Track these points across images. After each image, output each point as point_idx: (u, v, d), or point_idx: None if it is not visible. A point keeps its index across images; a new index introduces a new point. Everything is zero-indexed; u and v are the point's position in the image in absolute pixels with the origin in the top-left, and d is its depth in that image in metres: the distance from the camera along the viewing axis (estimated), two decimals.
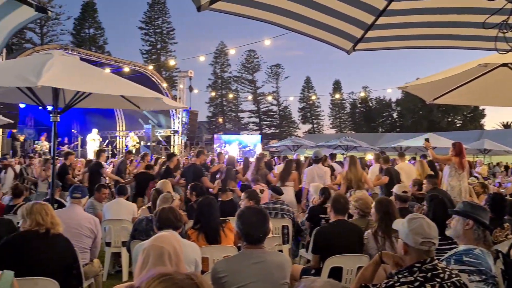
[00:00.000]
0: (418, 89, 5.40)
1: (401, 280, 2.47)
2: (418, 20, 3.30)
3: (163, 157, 12.56)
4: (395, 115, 67.69)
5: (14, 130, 18.55)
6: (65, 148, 19.79)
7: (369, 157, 16.61)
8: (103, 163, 9.63)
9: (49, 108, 5.34)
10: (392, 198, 4.97)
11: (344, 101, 68.27)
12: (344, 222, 4.13)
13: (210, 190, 7.96)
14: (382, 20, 3.22)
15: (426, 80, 4.90)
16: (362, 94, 62.81)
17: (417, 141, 15.89)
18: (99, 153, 10.18)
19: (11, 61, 6.74)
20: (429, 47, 4.03)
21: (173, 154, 9.19)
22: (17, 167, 11.17)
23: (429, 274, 2.45)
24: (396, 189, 5.13)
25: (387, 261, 2.81)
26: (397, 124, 65.30)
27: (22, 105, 17.75)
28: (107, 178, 9.75)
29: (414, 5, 3.09)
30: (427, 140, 7.92)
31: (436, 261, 2.54)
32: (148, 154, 11.38)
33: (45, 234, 3.39)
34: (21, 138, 19.57)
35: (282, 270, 2.82)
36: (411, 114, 61.20)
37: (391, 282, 2.48)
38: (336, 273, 3.79)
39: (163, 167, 9.13)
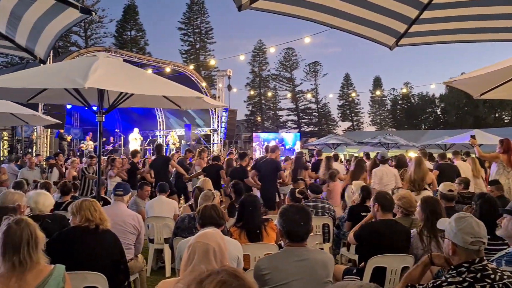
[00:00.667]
0: (464, 84, 5.19)
1: (448, 280, 2.40)
2: (464, 14, 3.17)
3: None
4: (438, 111, 65.56)
5: (62, 130, 19.33)
6: (109, 147, 20.49)
7: (411, 155, 16.16)
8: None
9: (94, 108, 5.54)
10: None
11: (384, 98, 66.89)
12: (391, 222, 4.01)
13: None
14: (426, 14, 3.13)
15: (473, 74, 4.71)
16: (404, 90, 61.19)
17: (463, 138, 15.35)
18: (134, 153, 10.51)
19: (59, 63, 7.02)
20: (475, 40, 3.87)
21: (245, 154, 9.16)
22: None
23: (478, 275, 2.37)
24: (441, 187, 4.98)
25: (438, 263, 2.73)
26: (441, 120, 63.20)
27: (68, 106, 18.48)
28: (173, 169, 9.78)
29: None
30: (473, 137, 7.65)
31: (486, 262, 2.45)
32: (206, 150, 11.37)
33: (94, 229, 3.51)
34: (68, 138, 20.36)
35: (325, 268, 2.80)
36: (455, 110, 59.11)
37: (438, 282, 2.42)
38: (379, 273, 3.72)
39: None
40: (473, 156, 9.82)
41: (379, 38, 3.48)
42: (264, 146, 10.33)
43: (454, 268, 2.49)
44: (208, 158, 10.70)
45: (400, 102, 67.19)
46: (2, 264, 2.47)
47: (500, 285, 2.31)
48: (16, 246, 2.47)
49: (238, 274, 1.25)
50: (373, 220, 4.22)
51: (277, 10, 3.01)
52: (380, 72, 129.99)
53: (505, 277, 2.35)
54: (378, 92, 61.29)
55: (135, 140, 20.62)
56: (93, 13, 2.72)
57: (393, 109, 67.27)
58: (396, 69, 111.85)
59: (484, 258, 2.48)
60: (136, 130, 21.00)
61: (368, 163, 9.70)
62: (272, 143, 26.71)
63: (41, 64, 3.50)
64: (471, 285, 2.34)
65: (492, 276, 2.35)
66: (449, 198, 4.84)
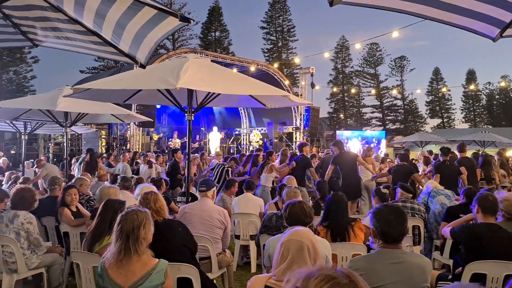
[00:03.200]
0: None
1: None
2: None
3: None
4: None
5: (151, 129, 20.52)
6: (195, 145, 21.35)
7: (510, 153, 14.91)
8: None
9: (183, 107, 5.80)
10: None
11: (479, 93, 62.26)
12: (495, 226, 3.70)
13: None
14: None
15: None
16: (502, 84, 56.44)
17: None
18: (175, 152, 10.74)
19: (151, 66, 7.44)
20: None
21: (305, 144, 9.53)
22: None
23: None
24: None
25: None
26: None
27: (157, 106, 19.52)
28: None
29: None
30: None
31: None
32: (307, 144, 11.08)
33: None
34: (155, 136, 21.54)
35: (422, 272, 2.67)
36: None
37: None
38: (478, 281, 3.46)
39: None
40: None
41: (481, 29, 3.22)
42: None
43: None
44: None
45: (497, 97, 62.17)
46: (113, 249, 2.68)
47: None
48: (125, 234, 2.67)
49: (352, 275, 1.22)
50: (473, 222, 3.94)
51: (370, 4, 2.92)
52: (474, 65, 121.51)
53: None
54: (472, 87, 57.11)
55: (214, 139, 21.30)
56: (192, 21, 2.83)
57: (489, 104, 62.40)
58: (492, 62, 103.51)
59: None
60: (215, 128, 21.62)
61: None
62: (355, 141, 26.21)
63: (136, 67, 3.74)
64: None
65: None
66: None
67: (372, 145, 25.19)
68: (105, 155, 14.16)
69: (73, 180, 6.74)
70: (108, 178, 9.07)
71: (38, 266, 4.62)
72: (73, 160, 12.07)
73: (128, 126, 19.27)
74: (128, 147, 19.00)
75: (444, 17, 3.10)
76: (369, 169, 9.73)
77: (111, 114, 8.45)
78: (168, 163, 11.25)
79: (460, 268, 3.67)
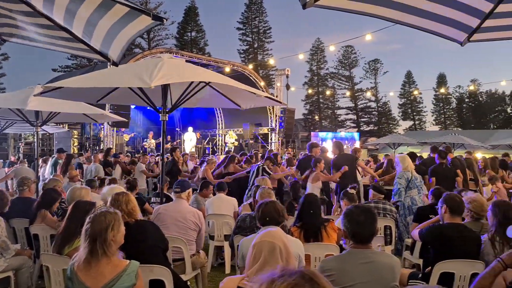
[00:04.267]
0: None
1: None
2: None
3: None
4: (509, 110, 61.69)
5: (123, 129, 20.22)
6: (169, 145, 21.16)
7: (479, 155, 15.35)
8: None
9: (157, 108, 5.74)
10: None
11: (449, 96, 63.83)
12: (461, 226, 3.81)
13: None
14: (502, 8, 2.94)
15: None
16: (471, 88, 58.00)
17: None
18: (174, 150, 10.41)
19: (125, 65, 7.35)
20: None
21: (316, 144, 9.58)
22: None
23: None
24: None
25: None
26: None
27: (132, 106, 19.26)
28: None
29: None
30: None
31: None
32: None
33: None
34: (126, 137, 21.25)
35: (392, 272, 2.73)
36: None
37: None
38: (446, 279, 3.56)
39: None
40: None
41: (450, 34, 3.31)
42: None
43: None
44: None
45: (466, 100, 63.88)
46: (83, 251, 2.64)
47: None
48: (92, 235, 2.63)
49: (315, 277, 1.23)
50: (440, 223, 4.03)
51: (342, 7, 2.95)
52: (445, 69, 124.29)
53: None
54: (442, 90, 58.52)
55: (189, 140, 21.16)
56: (165, 20, 2.81)
57: (458, 107, 64.06)
58: (462, 66, 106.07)
59: None
60: (190, 129, 21.50)
61: None
62: (329, 142, 26.49)
63: (110, 66, 3.68)
64: None
65: None
66: None
67: (345, 146, 25.54)
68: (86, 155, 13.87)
69: (46, 181, 6.59)
70: (80, 178, 8.90)
71: (6, 269, 4.49)
72: (40, 161, 11.71)
73: (102, 126, 18.96)
74: (101, 148, 18.68)
75: (414, 22, 3.17)
76: (370, 172, 9.86)
77: (84, 114, 8.29)
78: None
79: (430, 267, 3.76)
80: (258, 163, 8.88)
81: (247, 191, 7.87)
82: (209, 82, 5.53)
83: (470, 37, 3.33)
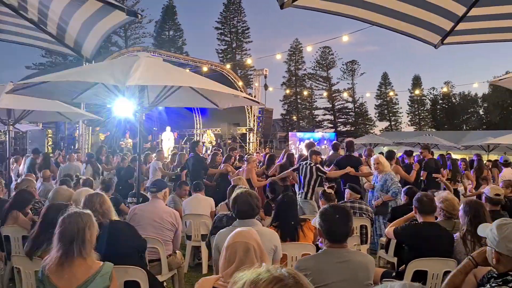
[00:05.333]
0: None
1: None
2: None
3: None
4: (481, 111, 63.36)
5: (97, 128, 19.88)
6: (148, 145, 20.93)
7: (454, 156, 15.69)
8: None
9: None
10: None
11: (424, 97, 65.13)
12: (435, 225, 3.89)
13: None
14: (475, 11, 3.01)
15: None
16: (444, 90, 59.28)
17: (507, 138, 14.72)
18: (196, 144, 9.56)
19: (101, 63, 7.23)
20: None
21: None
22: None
23: None
24: (488, 191, 4.80)
25: (483, 263, 2.62)
26: (484, 121, 61.01)
27: (109, 105, 18.97)
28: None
29: None
30: None
31: None
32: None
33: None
34: (102, 136, 20.92)
35: (366, 270, 2.77)
36: (499, 110, 56.91)
37: None
38: (420, 277, 3.62)
39: None
40: None
41: (424, 36, 3.37)
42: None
43: (499, 276, 2.39)
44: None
45: (440, 101, 65.28)
46: (55, 253, 2.57)
47: None
48: (68, 237, 2.57)
49: (297, 275, 1.24)
50: (415, 221, 4.11)
51: (319, 8, 2.97)
52: (419, 71, 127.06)
53: None
54: (417, 92, 59.66)
55: (167, 139, 20.95)
56: (139, 16, 2.77)
57: (433, 109, 65.43)
58: (436, 68, 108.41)
59: None
60: (168, 129, 21.31)
61: None
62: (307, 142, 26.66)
63: (85, 63, 3.62)
64: None
65: None
66: (494, 201, 4.66)
67: (323, 146, 25.78)
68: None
69: (18, 181, 6.43)
70: (57, 177, 8.73)
71: None
72: (11, 160, 11.34)
73: (77, 125, 18.61)
74: (77, 147, 18.34)
75: (389, 24, 3.22)
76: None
77: (58, 112, 8.12)
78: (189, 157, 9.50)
79: (404, 265, 3.82)
80: (307, 161, 7.97)
81: (298, 191, 7.61)
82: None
83: (444, 39, 3.40)
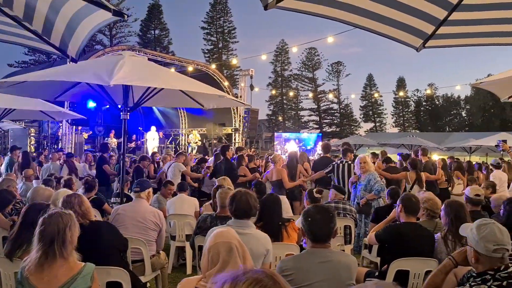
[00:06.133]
0: (493, 86, 5.08)
1: None
2: (494, 16, 3.09)
3: None
4: (463, 114, 64.39)
5: (80, 127, 19.63)
6: (132, 145, 20.76)
7: (435, 157, 15.91)
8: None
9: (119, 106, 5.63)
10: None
11: (408, 99, 65.90)
12: (416, 225, 3.95)
13: None
14: (455, 16, 3.06)
15: (502, 75, 4.61)
16: (428, 92, 60.09)
17: (489, 140, 15.01)
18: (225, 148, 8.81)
19: (85, 62, 7.16)
20: (503, 44, 3.76)
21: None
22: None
23: (504, 283, 2.33)
24: (468, 191, 4.88)
25: (463, 263, 2.67)
26: (466, 123, 62.03)
27: (93, 104, 18.77)
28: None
29: (490, 0, 2.91)
30: (504, 141, 7.56)
31: None
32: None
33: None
34: (85, 135, 20.67)
35: (349, 270, 2.79)
36: (481, 112, 57.92)
37: None
38: (402, 277, 3.67)
39: None
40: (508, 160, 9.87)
41: (406, 39, 3.42)
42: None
43: (478, 276, 2.45)
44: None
45: (424, 103, 66.14)
46: (35, 253, 2.54)
47: None
48: (49, 237, 2.54)
49: (275, 276, 1.26)
50: (397, 222, 4.16)
51: (303, 9, 3.00)
52: (404, 73, 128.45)
53: None
54: (401, 93, 60.32)
55: (152, 139, 20.82)
56: (125, 16, 2.76)
57: (416, 110, 66.26)
58: (420, 70, 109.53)
59: (510, 265, 2.43)
60: (153, 128, 21.19)
61: None
62: (292, 143, 26.77)
63: (71, 62, 3.59)
64: None
65: None
66: (475, 202, 4.75)
67: (308, 147, 25.90)
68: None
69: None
70: (39, 176, 8.61)
71: None
72: None
73: (61, 124, 18.39)
74: (60, 146, 18.10)
75: (372, 26, 3.26)
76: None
77: (41, 111, 8.03)
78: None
79: (386, 265, 3.87)
80: (341, 159, 7.71)
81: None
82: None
83: (425, 43, 3.45)
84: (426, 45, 3.47)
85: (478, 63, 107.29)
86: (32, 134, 19.20)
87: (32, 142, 19.16)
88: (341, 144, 8.91)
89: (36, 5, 2.95)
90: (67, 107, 15.82)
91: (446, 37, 3.42)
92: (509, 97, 5.10)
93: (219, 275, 1.30)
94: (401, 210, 4.03)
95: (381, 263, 4.27)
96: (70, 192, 4.52)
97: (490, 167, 10.39)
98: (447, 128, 61.76)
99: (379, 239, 4.03)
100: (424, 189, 7.46)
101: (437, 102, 65.73)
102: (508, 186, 8.67)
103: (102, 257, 3.31)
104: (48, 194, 4.68)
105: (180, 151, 12.93)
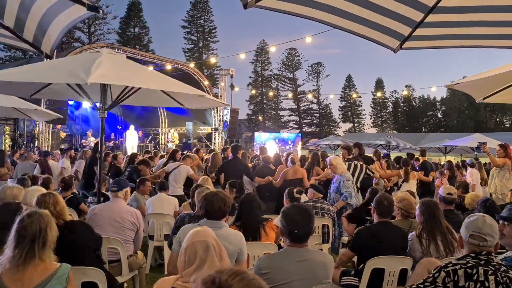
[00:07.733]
0: (468, 87, 5.19)
1: (453, 262, 2.53)
2: (470, 19, 3.17)
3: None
4: (439, 115, 65.71)
5: (59, 126, 19.26)
6: (111, 143, 20.50)
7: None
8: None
9: (97, 104, 5.55)
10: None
11: (386, 100, 66.88)
12: (388, 224, 4.01)
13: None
14: (431, 18, 3.12)
15: (476, 77, 4.72)
16: (405, 93, 61.06)
17: (463, 141, 15.33)
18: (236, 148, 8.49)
19: (62, 59, 7.04)
20: (478, 46, 3.86)
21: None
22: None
23: (482, 261, 2.48)
24: (441, 191, 4.98)
25: None
26: (442, 124, 63.32)
27: (71, 102, 18.47)
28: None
29: (466, 3, 2.98)
30: (484, 143, 7.85)
31: (492, 256, 2.54)
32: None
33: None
34: (63, 134, 20.32)
35: (325, 269, 2.82)
36: (456, 113, 59.24)
37: (445, 263, 2.57)
38: (377, 275, 3.72)
39: None
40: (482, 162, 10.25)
41: (383, 40, 3.48)
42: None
43: (462, 258, 2.59)
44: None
45: (401, 104, 67.21)
46: (11, 255, 2.48)
47: (503, 275, 2.40)
48: (29, 237, 2.49)
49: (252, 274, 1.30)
50: (369, 223, 4.25)
51: (282, 9, 3.02)
52: (382, 74, 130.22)
53: (510, 273, 2.44)
54: (379, 94, 61.25)
55: (130, 135, 20.58)
56: (100, 11, 2.72)
57: (394, 111, 67.31)
58: (398, 72, 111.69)
59: (491, 256, 2.54)
60: (132, 127, 20.96)
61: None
62: (272, 143, 26.86)
63: (46, 59, 3.51)
64: (475, 266, 2.45)
65: (497, 266, 2.45)
66: (448, 201, 4.84)
67: (288, 147, 26.01)
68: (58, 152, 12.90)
69: None
70: (13, 176, 8.41)
71: None
72: None
73: (37, 122, 18.00)
74: (36, 145, 17.73)
75: (351, 27, 3.30)
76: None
77: (14, 108, 7.84)
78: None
79: (362, 264, 3.92)
80: (353, 161, 7.66)
81: None
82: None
83: (402, 44, 3.51)
84: (403, 47, 3.53)
85: (454, 66, 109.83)
86: (7, 132, 18.77)
87: (8, 141, 18.72)
88: (352, 145, 8.91)
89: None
90: (43, 105, 15.52)
91: (423, 38, 3.48)
92: (484, 98, 5.21)
93: (198, 273, 1.33)
94: (374, 212, 4.10)
95: (357, 262, 4.32)
96: (43, 190, 4.42)
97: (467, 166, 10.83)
98: (424, 129, 62.91)
99: (355, 248, 4.03)
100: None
101: (414, 104, 66.88)
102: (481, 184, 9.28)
103: (77, 257, 3.26)
104: (16, 193, 4.53)
105: (187, 153, 12.10)
